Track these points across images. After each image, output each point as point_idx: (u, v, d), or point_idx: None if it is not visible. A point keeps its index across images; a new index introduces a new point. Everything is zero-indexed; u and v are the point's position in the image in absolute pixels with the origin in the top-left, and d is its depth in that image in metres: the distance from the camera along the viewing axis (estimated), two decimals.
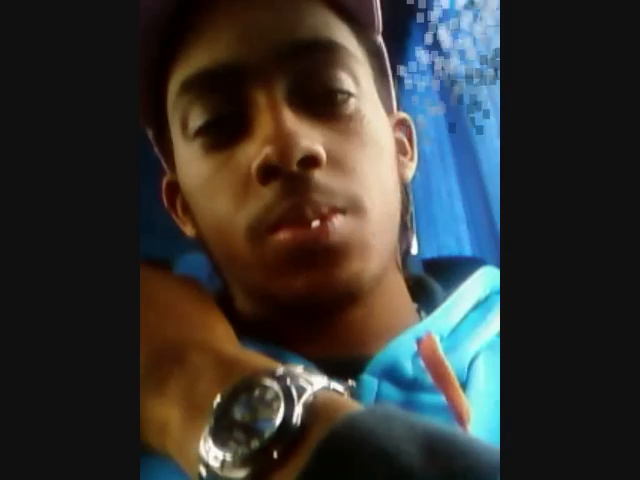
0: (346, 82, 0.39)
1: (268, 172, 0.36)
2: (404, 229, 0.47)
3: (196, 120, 0.39)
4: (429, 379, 0.35)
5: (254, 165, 0.36)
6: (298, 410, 0.25)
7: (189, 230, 0.46)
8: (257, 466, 0.25)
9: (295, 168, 0.35)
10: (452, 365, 0.35)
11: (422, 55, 0.90)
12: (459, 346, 0.39)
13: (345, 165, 0.38)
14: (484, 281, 0.44)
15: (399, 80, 0.93)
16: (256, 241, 0.37)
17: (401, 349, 0.37)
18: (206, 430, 0.26)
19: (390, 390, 0.36)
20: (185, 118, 0.40)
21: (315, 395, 0.26)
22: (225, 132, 0.39)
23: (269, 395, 0.26)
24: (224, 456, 0.25)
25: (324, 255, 0.36)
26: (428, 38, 0.86)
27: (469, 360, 0.38)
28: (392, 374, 0.36)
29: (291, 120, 0.36)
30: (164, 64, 0.41)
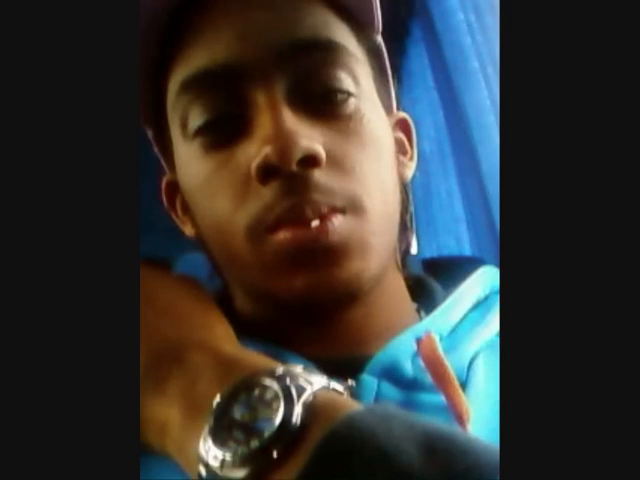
0: (346, 82, 0.39)
1: (268, 172, 0.36)
2: (404, 229, 0.47)
3: (196, 120, 0.39)
4: (429, 379, 0.35)
5: (254, 165, 0.36)
6: (298, 410, 0.25)
7: (189, 230, 0.46)
8: (257, 466, 0.25)
9: (295, 168, 0.35)
10: (452, 365, 0.35)
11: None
12: (459, 346, 0.39)
13: (345, 165, 0.38)
14: (484, 281, 0.44)
15: (399, 80, 0.93)
16: (256, 241, 0.37)
17: (401, 349, 0.37)
18: (206, 430, 0.26)
19: (390, 390, 0.36)
20: (185, 118, 0.40)
21: (315, 395, 0.26)
22: (225, 132, 0.39)
23: (269, 395, 0.26)
24: (224, 456, 0.25)
25: (324, 255, 0.36)
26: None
27: (469, 360, 0.38)
28: (392, 374, 0.36)
29: (291, 120, 0.36)
30: (164, 64, 0.41)
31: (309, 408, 0.26)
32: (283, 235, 0.36)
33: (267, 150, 0.35)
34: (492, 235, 0.71)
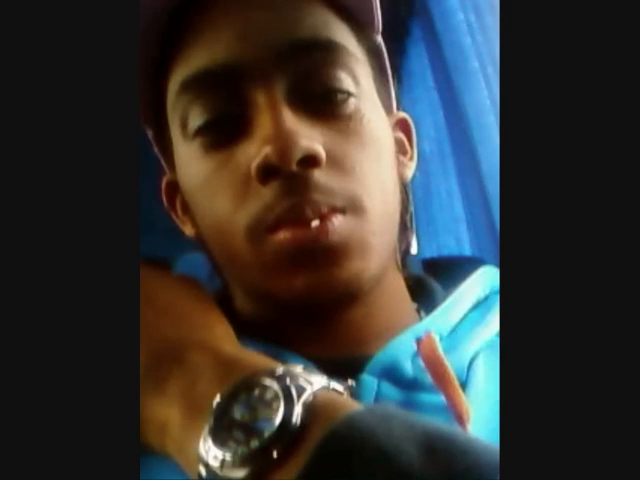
0: (345, 82, 0.39)
1: (268, 172, 0.36)
2: (404, 229, 0.47)
3: (196, 120, 0.39)
4: (429, 379, 0.35)
5: (254, 165, 0.36)
6: (298, 410, 0.25)
7: (189, 230, 0.46)
8: (257, 466, 0.25)
9: (295, 168, 0.35)
10: (452, 365, 0.35)
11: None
12: (459, 346, 0.39)
13: (345, 165, 0.38)
14: (484, 281, 0.44)
15: (399, 80, 0.93)
16: (256, 241, 0.37)
17: (401, 349, 0.37)
18: (206, 430, 0.26)
19: (390, 390, 0.36)
20: (185, 118, 0.40)
21: (315, 395, 0.26)
22: (225, 132, 0.39)
23: (269, 395, 0.26)
24: (224, 456, 0.25)
25: (324, 255, 0.36)
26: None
27: (469, 360, 0.38)
28: (392, 374, 0.36)
29: (291, 120, 0.36)
30: (164, 64, 0.41)
31: (309, 408, 0.26)
32: (283, 235, 0.36)
33: (267, 150, 0.35)
34: (492, 235, 0.71)
